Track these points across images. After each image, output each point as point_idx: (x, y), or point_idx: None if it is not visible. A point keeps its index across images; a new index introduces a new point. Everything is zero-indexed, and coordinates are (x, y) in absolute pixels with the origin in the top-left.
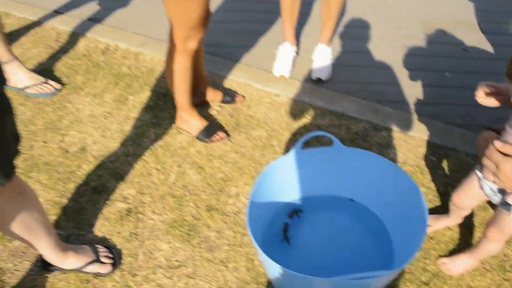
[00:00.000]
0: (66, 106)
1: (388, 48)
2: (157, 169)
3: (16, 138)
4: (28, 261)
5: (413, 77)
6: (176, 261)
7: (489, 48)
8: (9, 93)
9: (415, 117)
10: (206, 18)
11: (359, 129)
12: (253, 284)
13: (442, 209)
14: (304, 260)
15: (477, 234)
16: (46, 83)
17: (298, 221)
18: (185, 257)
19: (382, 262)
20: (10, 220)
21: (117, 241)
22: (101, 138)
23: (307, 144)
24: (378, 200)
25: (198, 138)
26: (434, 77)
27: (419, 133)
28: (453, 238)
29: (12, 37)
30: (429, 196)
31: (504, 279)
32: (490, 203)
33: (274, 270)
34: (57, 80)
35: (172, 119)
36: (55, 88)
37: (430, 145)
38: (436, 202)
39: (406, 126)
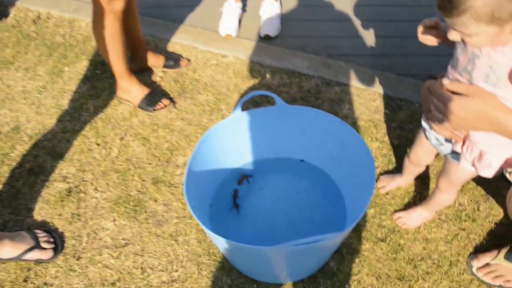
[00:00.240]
0: None
1: (338, 0)
2: (98, 144)
3: None
4: None
5: (365, 29)
6: (123, 239)
7: None
8: None
9: (368, 70)
10: None
11: (311, 86)
12: (205, 256)
13: (397, 163)
14: (257, 227)
15: (432, 185)
16: None
17: (248, 186)
18: (132, 234)
19: (337, 222)
20: None
21: (59, 224)
22: (35, 116)
23: (257, 106)
24: (328, 159)
25: (140, 107)
26: (386, 28)
27: (372, 86)
28: (408, 191)
29: None
30: (383, 150)
31: (460, 229)
32: None
33: (219, 243)
34: None
35: (111, 89)
36: None
37: (384, 97)
38: (391, 155)
39: (359, 79)
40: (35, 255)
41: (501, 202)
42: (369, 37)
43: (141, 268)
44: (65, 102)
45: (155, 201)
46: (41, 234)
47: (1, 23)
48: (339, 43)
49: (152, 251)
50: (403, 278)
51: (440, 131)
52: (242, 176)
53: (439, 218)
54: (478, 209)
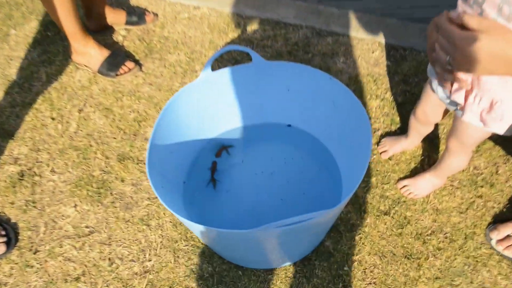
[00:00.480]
0: None
1: None
2: (53, 118)
3: None
4: None
5: None
6: (86, 227)
7: None
8: None
9: (365, 15)
10: None
11: (299, 38)
12: (182, 241)
13: (402, 123)
14: (240, 206)
15: (442, 147)
16: None
17: (228, 158)
18: (97, 221)
19: (332, 195)
20: None
21: (11, 213)
22: None
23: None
24: (318, 123)
25: (100, 72)
26: None
27: (371, 34)
28: (415, 155)
29: None
30: (385, 109)
31: (477, 196)
32: None
33: (194, 228)
34: None
35: (66, 53)
36: None
37: (384, 47)
38: (394, 114)
39: (354, 27)
40: None
41: None
42: None
43: (109, 259)
44: (12, 71)
45: (122, 181)
46: None
47: None
48: None
49: (120, 239)
50: (410, 256)
51: (444, 77)
52: (220, 147)
53: (451, 185)
54: (496, 173)
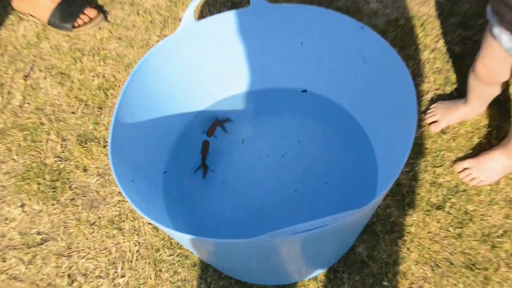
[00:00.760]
0: None
1: None
2: None
3: None
4: None
5: None
6: (38, 233)
7: None
8: None
9: None
10: None
11: None
12: (165, 249)
13: (460, 83)
14: (239, 202)
15: None
16: None
17: (224, 137)
18: (52, 225)
19: (363, 184)
20: None
21: None
22: None
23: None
24: (343, 87)
25: (52, 24)
26: None
27: None
28: (478, 127)
29: None
30: (436, 63)
31: None
32: None
33: (179, 238)
34: None
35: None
36: None
37: None
38: (449, 71)
39: None
40: None
41: None
42: None
43: (69, 275)
44: None
45: (85, 170)
46: None
47: None
48: None
49: (84, 248)
50: (474, 265)
51: None
52: (213, 122)
53: None
54: None
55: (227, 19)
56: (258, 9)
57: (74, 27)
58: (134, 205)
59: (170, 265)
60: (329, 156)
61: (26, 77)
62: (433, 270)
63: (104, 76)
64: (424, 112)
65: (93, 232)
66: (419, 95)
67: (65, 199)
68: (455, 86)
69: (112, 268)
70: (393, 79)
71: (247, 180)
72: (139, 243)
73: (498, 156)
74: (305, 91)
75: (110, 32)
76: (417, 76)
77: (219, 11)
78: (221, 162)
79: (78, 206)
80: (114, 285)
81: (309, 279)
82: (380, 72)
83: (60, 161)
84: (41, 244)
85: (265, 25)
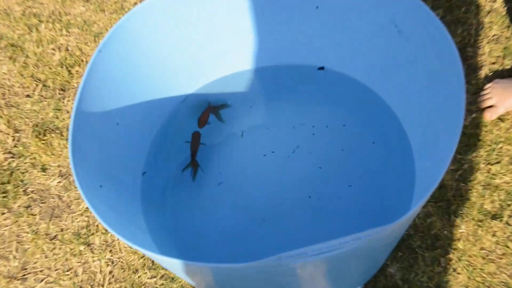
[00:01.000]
0: None
1: None
2: None
3: None
4: None
5: None
6: None
7: None
8: None
9: None
10: None
11: None
12: (145, 270)
13: None
14: (239, 211)
15: None
16: None
17: (220, 128)
18: (2, 240)
19: (397, 188)
20: None
21: None
22: None
23: None
24: (370, 64)
25: None
26: None
27: None
28: None
29: None
30: (492, 29)
31: None
32: None
33: (163, 262)
34: None
35: None
36: None
37: None
38: (509, 40)
39: None
40: None
41: None
42: None
43: None
44: None
45: (43, 169)
46: None
47: None
48: None
49: (43, 268)
50: None
51: None
52: (206, 109)
53: None
54: None
55: None
56: None
57: None
58: (101, 220)
59: None
60: (352, 151)
61: None
62: None
63: (67, 49)
64: (477, 93)
65: (54, 248)
66: (470, 71)
67: (19, 206)
68: None
69: None
70: (435, 52)
71: (248, 182)
72: (112, 262)
73: None
74: (322, 68)
75: None
76: (467, 46)
77: None
78: (215, 160)
79: (36, 215)
80: None
81: None
82: (417, 44)
83: (12, 158)
84: None
85: None
